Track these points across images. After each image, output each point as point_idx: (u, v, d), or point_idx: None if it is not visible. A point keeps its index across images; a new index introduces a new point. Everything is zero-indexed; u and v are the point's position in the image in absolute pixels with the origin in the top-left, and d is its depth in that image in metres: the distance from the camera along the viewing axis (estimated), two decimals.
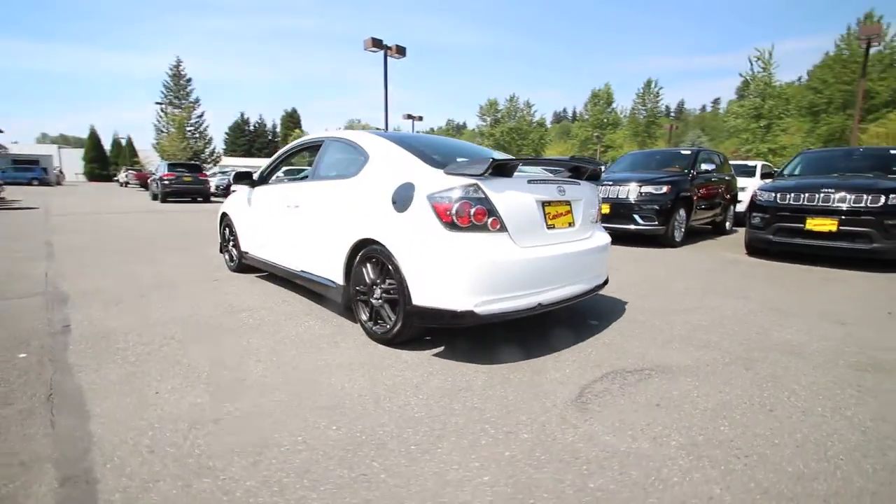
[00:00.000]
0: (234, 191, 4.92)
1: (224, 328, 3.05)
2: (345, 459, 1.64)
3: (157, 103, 37.88)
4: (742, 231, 9.46)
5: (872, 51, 30.49)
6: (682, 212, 7.31)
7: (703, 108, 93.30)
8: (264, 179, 4.29)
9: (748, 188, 11.03)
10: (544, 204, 2.66)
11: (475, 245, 2.35)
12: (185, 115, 37.86)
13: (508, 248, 2.43)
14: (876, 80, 31.50)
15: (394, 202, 2.59)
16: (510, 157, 2.73)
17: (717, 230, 9.18)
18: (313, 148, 3.76)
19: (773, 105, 36.31)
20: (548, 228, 2.67)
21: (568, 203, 2.85)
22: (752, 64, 37.55)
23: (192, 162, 25.61)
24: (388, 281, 2.68)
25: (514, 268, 2.40)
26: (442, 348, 2.71)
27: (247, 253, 4.46)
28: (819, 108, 34.38)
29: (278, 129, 67.31)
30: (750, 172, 11.67)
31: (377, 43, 17.44)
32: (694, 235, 8.26)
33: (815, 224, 5.49)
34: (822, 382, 2.33)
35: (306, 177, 4.93)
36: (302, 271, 3.50)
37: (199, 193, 18.51)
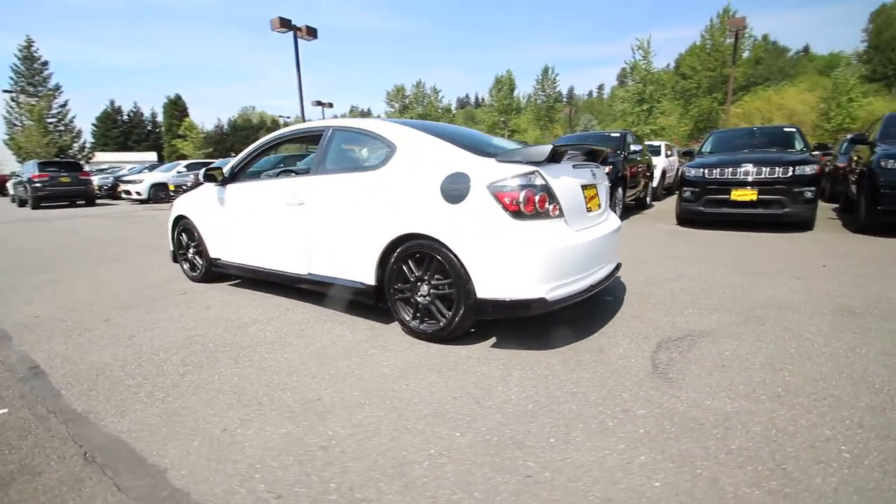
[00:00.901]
0: (184, 189, 4.31)
1: (241, 346, 2.71)
2: (497, 465, 1.57)
3: (6, 91, 31.44)
4: (658, 205, 10.64)
5: (729, 42, 35.29)
6: (619, 190, 7.94)
7: (590, 93, 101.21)
8: (236, 176, 3.82)
9: (658, 166, 12.38)
10: (584, 187, 2.73)
11: (541, 232, 2.35)
12: (45, 104, 31.98)
13: (567, 233, 2.46)
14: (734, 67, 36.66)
15: (445, 194, 2.47)
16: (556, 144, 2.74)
17: (639, 205, 10.12)
18: (310, 138, 3.42)
19: (652, 90, 40.62)
20: (587, 212, 2.75)
21: (595, 186, 2.95)
22: (633, 52, 41.51)
23: (71, 160, 22.04)
24: (436, 276, 2.57)
25: (572, 252, 2.45)
26: (494, 339, 2.68)
27: (218, 259, 3.97)
28: (690, 93, 39.28)
29: (160, 119, 59.68)
30: (656, 152, 13.02)
31: (286, 23, 16.18)
32: (625, 211, 9.03)
33: (738, 195, 6.31)
34: (825, 329, 2.73)
35: (290, 171, 4.53)
36: (310, 274, 3.21)
37: (80, 196, 15.88)
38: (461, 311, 2.50)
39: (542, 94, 49.74)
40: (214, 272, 4.09)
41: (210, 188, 3.95)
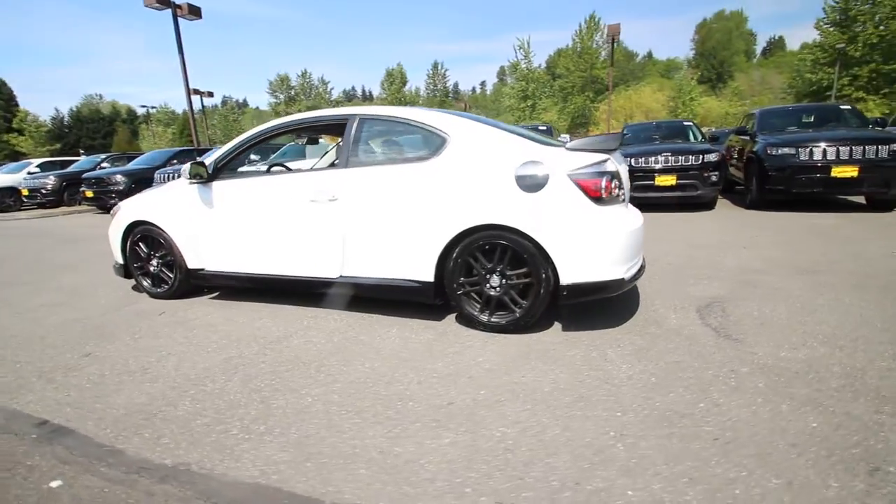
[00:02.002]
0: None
1: (301, 362, 2.41)
2: (683, 434, 1.66)
3: None
4: None
5: (597, 45, 39.47)
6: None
7: (474, 89, 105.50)
8: (221, 171, 3.31)
9: None
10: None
11: (619, 216, 2.48)
12: None
13: (632, 217, 2.64)
14: (601, 68, 41.32)
15: (520, 183, 2.47)
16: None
17: None
18: (326, 127, 3.09)
19: (534, 88, 43.94)
20: (628, 199, 2.96)
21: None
22: (515, 52, 44.48)
23: None
24: (509, 266, 2.57)
25: (637, 235, 2.63)
26: (560, 325, 2.75)
27: (201, 270, 3.42)
28: (567, 91, 43.34)
29: None
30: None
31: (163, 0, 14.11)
32: None
33: (661, 180, 7.22)
34: (805, 287, 3.30)
35: (281, 165, 3.99)
36: (342, 277, 2.95)
37: None
38: (539, 298, 2.53)
39: (434, 88, 50.90)
40: (191, 285, 3.52)
41: (182, 187, 3.37)
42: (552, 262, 2.46)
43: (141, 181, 10.18)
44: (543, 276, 2.50)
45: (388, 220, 2.76)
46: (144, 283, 3.69)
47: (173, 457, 1.67)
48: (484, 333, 2.67)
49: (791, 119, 8.09)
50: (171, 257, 3.50)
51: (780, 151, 6.54)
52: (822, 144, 6.21)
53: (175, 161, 11.49)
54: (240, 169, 3.82)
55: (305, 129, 3.34)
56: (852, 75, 31.53)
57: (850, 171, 6.06)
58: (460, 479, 1.49)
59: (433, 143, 2.74)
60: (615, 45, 19.98)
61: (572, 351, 2.39)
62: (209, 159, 3.32)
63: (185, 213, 3.36)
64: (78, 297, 3.83)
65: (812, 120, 7.98)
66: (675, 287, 3.42)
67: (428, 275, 2.72)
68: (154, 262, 3.62)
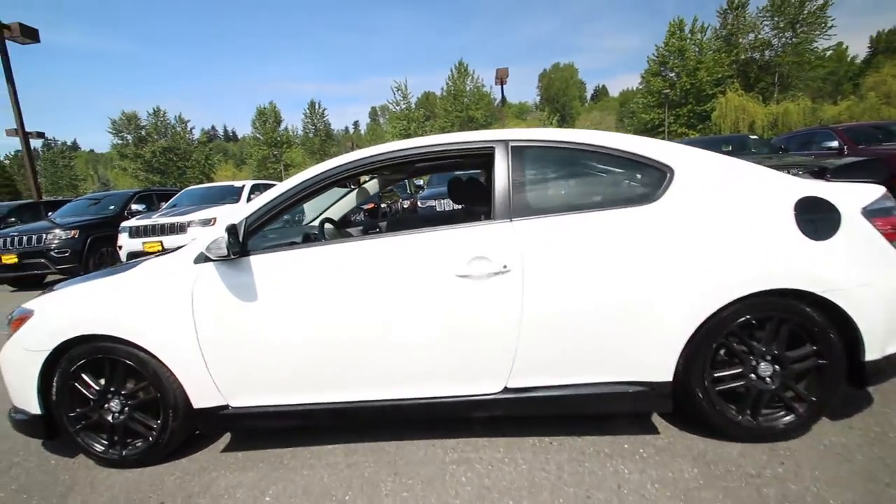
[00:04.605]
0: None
1: None
2: None
3: None
4: None
5: (469, 88, 42.06)
6: None
7: (347, 129, 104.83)
8: (252, 238, 2.00)
9: None
10: None
11: None
12: None
13: None
14: (474, 108, 44.11)
15: (806, 226, 1.75)
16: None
17: None
18: (446, 162, 2.01)
19: (415, 127, 45.02)
20: None
21: None
22: (393, 93, 45.44)
23: None
24: (772, 345, 1.82)
25: None
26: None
27: (223, 409, 1.99)
28: (446, 130, 45.27)
29: None
30: None
31: None
32: None
33: None
34: None
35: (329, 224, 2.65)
36: (507, 390, 1.88)
37: None
38: (832, 383, 1.82)
39: (313, 127, 48.76)
40: (183, 437, 2.04)
41: (181, 270, 1.95)
42: (856, 332, 1.77)
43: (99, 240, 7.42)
44: (839, 353, 1.79)
45: (595, 293, 1.80)
46: (95, 446, 2.05)
47: None
48: (711, 446, 1.84)
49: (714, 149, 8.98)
50: (158, 392, 1.98)
51: None
52: None
53: (143, 208, 8.42)
54: (272, 236, 2.46)
55: (404, 163, 2.19)
56: (675, 114, 38.46)
57: None
58: None
59: (650, 177, 1.90)
60: (489, 88, 21.26)
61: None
62: (233, 221, 1.96)
63: (187, 313, 1.91)
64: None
65: (731, 149, 8.92)
66: None
67: (664, 371, 1.82)
68: (114, 404, 2.04)
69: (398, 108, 46.29)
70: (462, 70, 45.83)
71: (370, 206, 8.63)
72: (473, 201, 2.64)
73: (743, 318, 1.80)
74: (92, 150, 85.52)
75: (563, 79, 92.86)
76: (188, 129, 45.94)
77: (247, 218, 1.97)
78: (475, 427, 2.12)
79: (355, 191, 3.34)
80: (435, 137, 2.05)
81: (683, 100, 38.22)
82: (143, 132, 43.78)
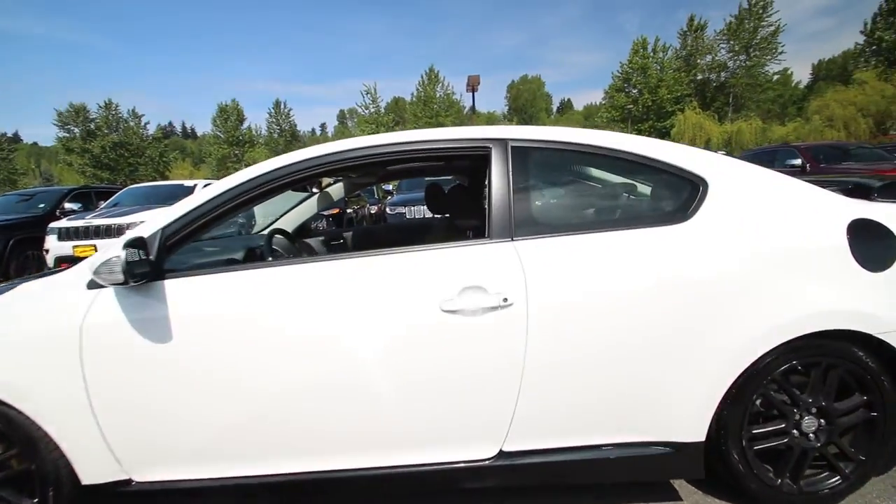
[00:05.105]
0: None
1: None
2: None
3: None
4: None
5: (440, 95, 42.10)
6: None
7: (313, 131, 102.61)
8: (172, 254, 1.53)
9: None
10: None
11: None
12: None
13: None
14: (444, 115, 44.02)
15: (862, 256, 1.46)
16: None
17: None
18: (430, 161, 1.65)
19: (384, 132, 44.39)
20: None
21: None
22: (363, 96, 44.77)
23: None
24: (824, 395, 1.52)
25: None
26: None
27: (125, 483, 1.49)
28: None
29: None
30: None
31: None
32: None
33: None
34: None
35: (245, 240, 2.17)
36: (502, 454, 1.49)
37: None
38: (886, 439, 1.53)
39: (277, 127, 47.17)
40: None
41: (66, 300, 1.45)
42: None
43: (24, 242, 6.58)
44: (889, 401, 1.51)
45: (615, 334, 1.44)
46: None
47: None
48: None
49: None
50: (31, 463, 1.46)
51: None
52: None
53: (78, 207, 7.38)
54: (207, 248, 1.96)
55: (375, 164, 1.77)
56: (637, 129, 39.64)
57: None
58: None
59: (679, 191, 1.56)
60: (472, 94, 21.15)
61: None
62: (139, 233, 1.48)
63: (74, 357, 1.41)
64: None
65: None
66: None
67: (697, 430, 1.48)
68: None
69: (367, 111, 45.65)
70: (433, 76, 45.67)
71: (335, 211, 8.06)
72: (458, 212, 2.25)
73: (787, 364, 1.49)
74: (35, 143, 79.82)
75: (530, 90, 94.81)
76: (142, 123, 43.37)
77: (164, 228, 1.49)
78: (471, 495, 1.71)
79: (316, 195, 2.87)
80: (417, 133, 1.65)
81: (645, 115, 39.52)
82: (93, 125, 40.93)
